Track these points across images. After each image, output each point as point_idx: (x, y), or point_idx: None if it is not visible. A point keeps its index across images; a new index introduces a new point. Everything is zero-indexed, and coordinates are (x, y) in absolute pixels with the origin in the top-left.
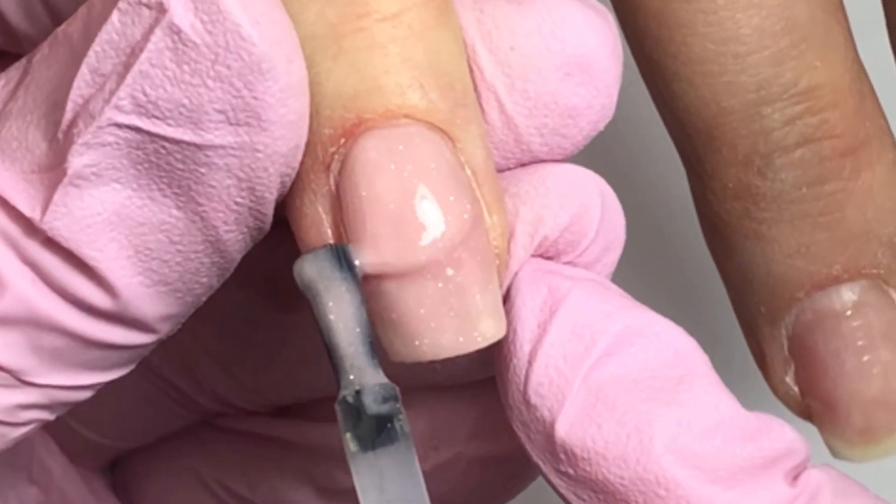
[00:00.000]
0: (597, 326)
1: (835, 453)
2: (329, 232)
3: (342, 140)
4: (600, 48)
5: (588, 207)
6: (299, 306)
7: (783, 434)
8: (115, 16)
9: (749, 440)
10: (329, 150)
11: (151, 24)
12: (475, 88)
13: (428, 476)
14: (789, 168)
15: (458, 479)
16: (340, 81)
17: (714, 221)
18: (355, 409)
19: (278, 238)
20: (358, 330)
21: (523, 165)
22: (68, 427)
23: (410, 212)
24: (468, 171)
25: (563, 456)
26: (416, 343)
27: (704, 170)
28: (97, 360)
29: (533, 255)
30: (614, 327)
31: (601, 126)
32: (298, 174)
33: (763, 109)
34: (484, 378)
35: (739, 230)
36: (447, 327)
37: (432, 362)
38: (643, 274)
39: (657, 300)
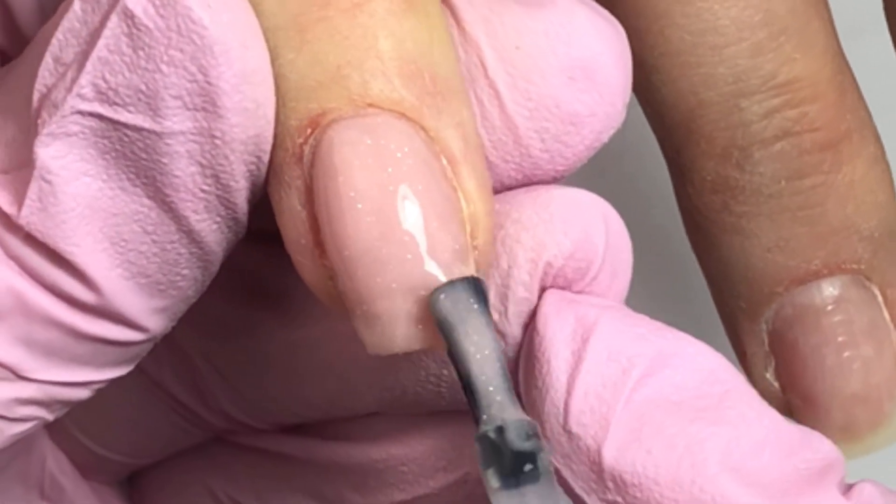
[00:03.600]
0: (631, 350)
1: None
2: (306, 226)
3: (309, 131)
4: (606, 55)
5: (591, 233)
6: (304, 322)
7: (824, 445)
8: (76, 4)
9: (795, 453)
10: (297, 141)
11: (108, 10)
12: (477, 85)
13: (437, 496)
14: (768, 161)
15: (466, 499)
16: (303, 72)
17: (693, 215)
18: (497, 445)
19: (282, 254)
20: (498, 364)
21: (524, 174)
22: (79, 443)
23: (379, 203)
24: (443, 160)
25: (610, 484)
26: (386, 335)
27: (683, 162)
28: (90, 356)
29: (543, 286)
30: (649, 350)
31: (605, 137)
32: (274, 168)
33: (741, 102)
34: None
35: (718, 224)
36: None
37: (405, 358)
38: (647, 280)
39: (662, 305)
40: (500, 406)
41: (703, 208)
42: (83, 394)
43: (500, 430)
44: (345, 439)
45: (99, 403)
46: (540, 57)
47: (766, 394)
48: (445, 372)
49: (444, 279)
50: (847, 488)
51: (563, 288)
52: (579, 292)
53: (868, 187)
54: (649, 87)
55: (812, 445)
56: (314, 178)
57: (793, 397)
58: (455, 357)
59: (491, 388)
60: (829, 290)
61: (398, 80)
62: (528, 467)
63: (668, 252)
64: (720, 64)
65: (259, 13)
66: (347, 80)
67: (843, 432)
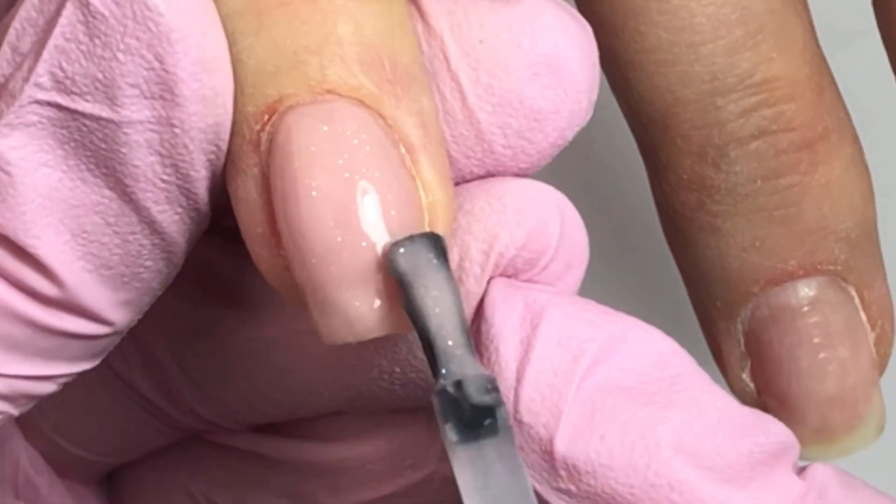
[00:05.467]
0: (582, 335)
1: None
2: (262, 214)
3: (266, 118)
4: (571, 52)
5: (545, 224)
6: (262, 321)
7: (777, 428)
8: None
9: (748, 436)
10: (255, 128)
11: None
12: (440, 78)
13: (403, 494)
14: (744, 160)
15: (433, 498)
16: (261, 58)
17: (670, 213)
18: (455, 400)
19: (240, 250)
20: (458, 319)
21: (487, 170)
22: (54, 442)
23: (335, 191)
24: (402, 149)
25: (563, 473)
26: (342, 324)
27: (660, 160)
28: (55, 350)
29: (492, 276)
30: (599, 335)
31: (569, 134)
32: (231, 156)
33: (717, 100)
34: None
35: (694, 222)
36: (373, 307)
37: (365, 350)
38: (623, 279)
39: (636, 301)
40: (459, 361)
41: (679, 207)
42: (49, 387)
43: (459, 384)
44: (314, 439)
45: (71, 402)
46: (504, 51)
47: (741, 395)
48: (398, 369)
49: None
50: (800, 470)
51: (509, 276)
52: (527, 281)
53: (845, 188)
54: (626, 83)
55: (765, 429)
56: (271, 165)
57: (768, 398)
58: (413, 312)
59: (450, 343)
60: (805, 290)
61: (357, 67)
62: (487, 421)
63: (646, 251)
64: (696, 62)
65: None
66: (305, 65)
67: (819, 434)
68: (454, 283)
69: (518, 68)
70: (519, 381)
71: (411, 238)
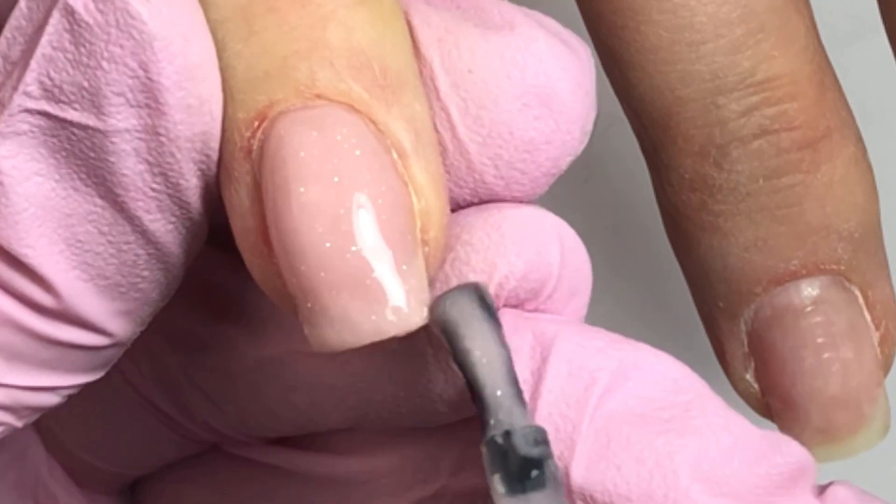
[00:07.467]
0: (593, 364)
1: None
2: (254, 222)
3: (256, 124)
4: (563, 81)
5: (545, 254)
6: (269, 340)
7: (794, 449)
8: (22, 1)
9: (765, 459)
10: (245, 134)
11: (50, 6)
12: (431, 107)
13: None
14: (746, 160)
15: None
16: (251, 64)
17: (672, 213)
18: (504, 451)
19: (243, 266)
20: (505, 369)
21: (481, 199)
22: (73, 455)
23: (325, 196)
24: (394, 154)
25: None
26: (332, 330)
27: (661, 160)
28: (56, 361)
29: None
30: (610, 363)
31: (563, 164)
32: (223, 164)
33: (719, 99)
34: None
35: (696, 222)
36: (364, 312)
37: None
38: (629, 282)
39: (639, 302)
40: (507, 411)
41: (682, 206)
42: (52, 399)
43: (508, 434)
44: (327, 451)
45: (88, 414)
46: (493, 82)
47: (745, 395)
48: (402, 394)
49: (390, 274)
50: (820, 491)
51: (514, 307)
52: (533, 311)
53: (847, 187)
54: (626, 83)
55: (781, 450)
56: (261, 172)
57: (772, 399)
58: (461, 363)
59: (499, 394)
60: (808, 290)
61: (346, 72)
62: (534, 473)
63: (649, 251)
64: (697, 61)
65: (207, 5)
66: (295, 70)
67: (822, 435)
68: (500, 332)
69: (507, 99)
70: (531, 413)
71: (456, 289)
